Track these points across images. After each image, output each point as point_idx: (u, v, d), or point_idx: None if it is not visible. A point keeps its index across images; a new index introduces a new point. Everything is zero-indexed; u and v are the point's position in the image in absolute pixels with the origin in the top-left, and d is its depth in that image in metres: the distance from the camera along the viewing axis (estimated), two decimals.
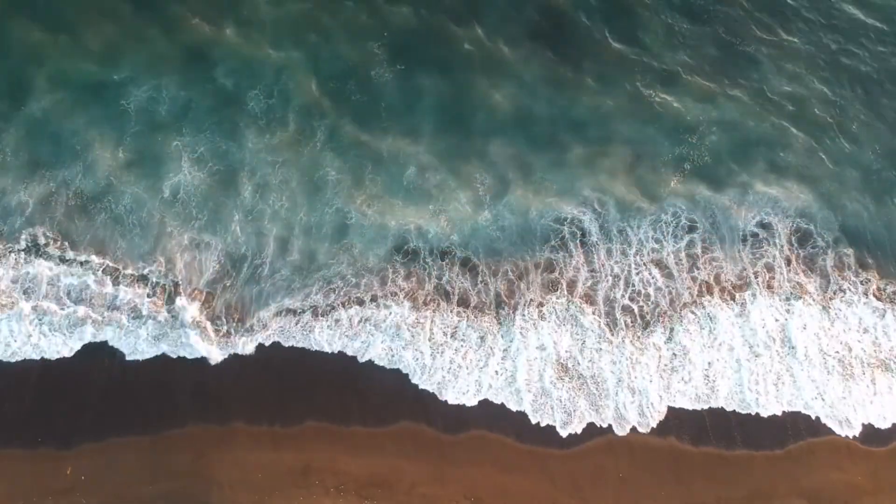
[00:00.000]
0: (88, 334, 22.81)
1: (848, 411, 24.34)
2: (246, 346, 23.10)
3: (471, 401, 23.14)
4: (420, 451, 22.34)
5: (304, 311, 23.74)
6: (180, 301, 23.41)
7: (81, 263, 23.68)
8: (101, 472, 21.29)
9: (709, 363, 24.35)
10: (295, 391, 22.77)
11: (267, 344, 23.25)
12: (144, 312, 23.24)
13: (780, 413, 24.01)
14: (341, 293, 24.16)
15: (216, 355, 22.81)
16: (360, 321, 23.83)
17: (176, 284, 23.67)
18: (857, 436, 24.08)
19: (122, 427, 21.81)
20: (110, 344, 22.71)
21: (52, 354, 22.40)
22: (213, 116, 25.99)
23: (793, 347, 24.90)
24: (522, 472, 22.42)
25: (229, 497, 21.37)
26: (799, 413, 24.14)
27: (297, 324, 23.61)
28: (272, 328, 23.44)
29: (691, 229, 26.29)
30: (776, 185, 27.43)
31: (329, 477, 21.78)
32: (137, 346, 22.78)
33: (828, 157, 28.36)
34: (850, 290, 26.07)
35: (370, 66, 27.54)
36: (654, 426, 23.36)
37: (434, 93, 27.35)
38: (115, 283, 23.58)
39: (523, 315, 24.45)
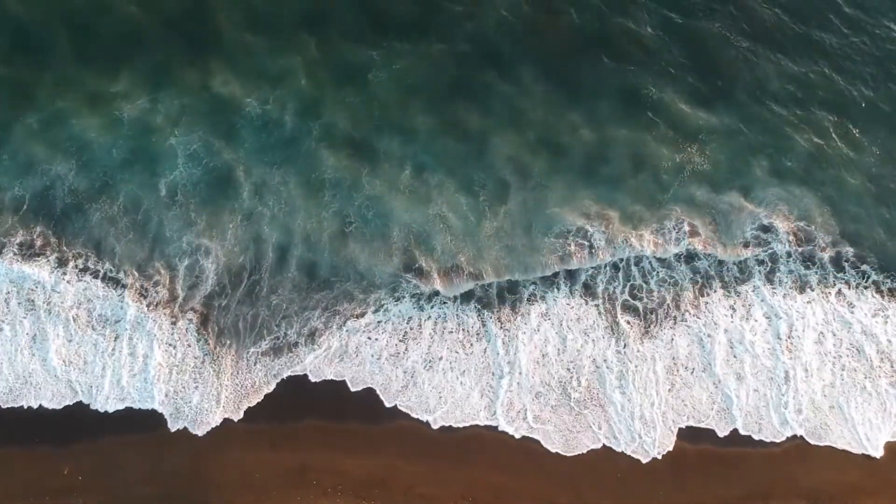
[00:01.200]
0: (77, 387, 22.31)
1: (868, 431, 23.82)
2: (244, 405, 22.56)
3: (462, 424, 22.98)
4: (418, 451, 22.32)
5: (299, 345, 23.31)
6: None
7: (80, 270, 23.71)
8: (99, 472, 21.31)
9: (714, 383, 23.99)
10: (292, 391, 22.78)
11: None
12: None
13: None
14: (341, 315, 23.82)
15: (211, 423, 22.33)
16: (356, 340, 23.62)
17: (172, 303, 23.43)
18: (881, 456, 23.57)
19: (119, 427, 21.87)
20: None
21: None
22: (210, 119, 26.00)
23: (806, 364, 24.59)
24: (520, 473, 22.37)
25: (226, 497, 21.33)
26: None
27: (290, 358, 23.19)
28: (266, 376, 22.87)
29: (693, 234, 26.04)
30: (777, 189, 27.20)
31: (326, 477, 21.76)
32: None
33: (829, 161, 28.19)
34: (853, 289, 25.84)
35: (367, 69, 27.68)
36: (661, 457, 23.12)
37: (429, 94, 27.35)
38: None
39: (524, 326, 24.26)
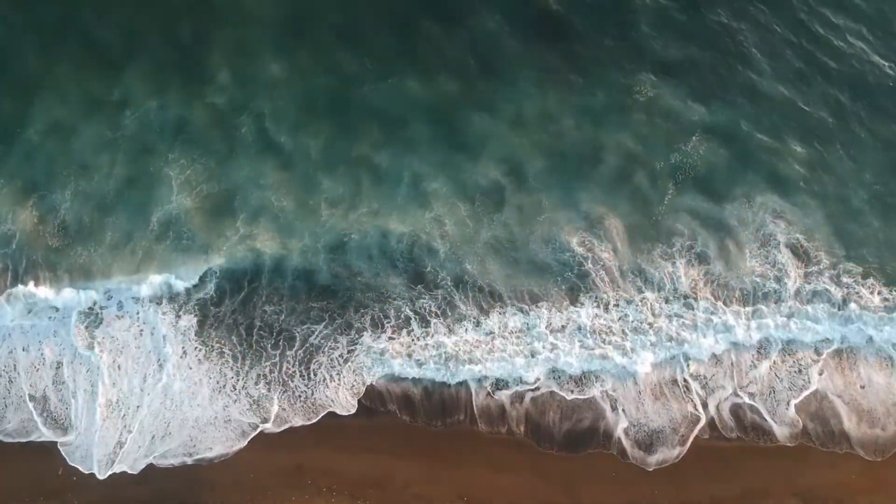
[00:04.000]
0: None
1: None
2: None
3: None
4: (413, 451, 22.29)
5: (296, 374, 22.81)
6: None
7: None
8: (93, 473, 21.15)
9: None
10: None
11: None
12: None
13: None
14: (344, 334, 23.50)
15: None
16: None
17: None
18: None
19: None
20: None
21: None
22: (206, 135, 26.19)
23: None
24: (516, 471, 22.32)
25: (221, 497, 21.26)
26: None
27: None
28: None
29: (696, 249, 25.90)
30: (777, 196, 27.08)
31: (321, 477, 21.70)
32: None
33: (830, 167, 28.11)
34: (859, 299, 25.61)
35: (364, 81, 28.08)
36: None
37: (425, 99, 27.76)
38: None
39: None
